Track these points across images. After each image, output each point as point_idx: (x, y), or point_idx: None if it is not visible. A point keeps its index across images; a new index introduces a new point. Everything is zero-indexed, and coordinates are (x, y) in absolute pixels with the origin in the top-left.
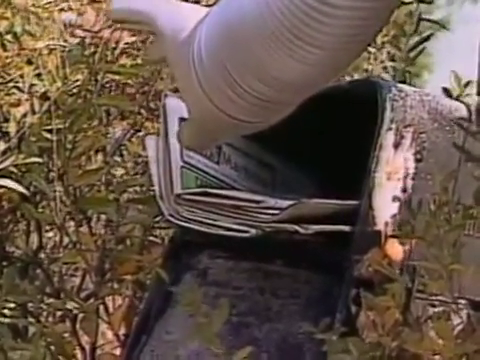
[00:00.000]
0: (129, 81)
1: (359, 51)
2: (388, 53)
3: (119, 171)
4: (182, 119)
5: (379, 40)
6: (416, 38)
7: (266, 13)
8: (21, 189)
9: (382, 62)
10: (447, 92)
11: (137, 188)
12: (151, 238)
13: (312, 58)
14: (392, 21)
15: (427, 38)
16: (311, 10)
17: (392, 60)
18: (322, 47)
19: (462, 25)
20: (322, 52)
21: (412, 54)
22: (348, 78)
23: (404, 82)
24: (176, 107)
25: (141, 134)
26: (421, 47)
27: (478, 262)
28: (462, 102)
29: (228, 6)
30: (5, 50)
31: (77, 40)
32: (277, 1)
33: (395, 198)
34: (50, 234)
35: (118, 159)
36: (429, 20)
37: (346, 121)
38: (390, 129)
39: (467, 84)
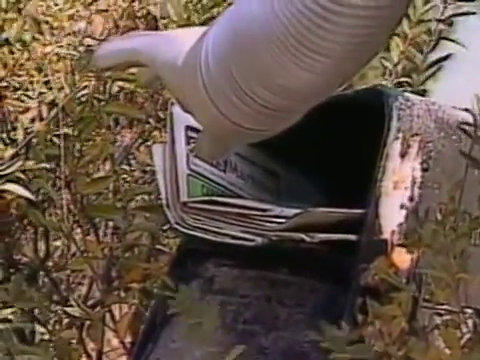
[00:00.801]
0: (138, 90)
1: (365, 60)
2: (404, 68)
3: (127, 179)
4: (189, 127)
5: (395, 56)
6: (433, 56)
7: (272, 19)
8: (28, 195)
9: (397, 77)
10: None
11: (145, 196)
12: (158, 246)
13: (318, 66)
14: (409, 38)
15: (446, 57)
16: (316, 17)
17: (408, 76)
18: (328, 55)
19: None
20: (328, 60)
21: (428, 72)
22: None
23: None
24: (183, 115)
25: (149, 143)
26: (438, 66)
27: None
28: (469, 111)
29: (237, 13)
30: (14, 57)
31: (86, 48)
32: (283, 8)
33: (402, 206)
34: (58, 243)
35: (126, 167)
36: (450, 39)
37: (352, 129)
38: (397, 138)
39: None
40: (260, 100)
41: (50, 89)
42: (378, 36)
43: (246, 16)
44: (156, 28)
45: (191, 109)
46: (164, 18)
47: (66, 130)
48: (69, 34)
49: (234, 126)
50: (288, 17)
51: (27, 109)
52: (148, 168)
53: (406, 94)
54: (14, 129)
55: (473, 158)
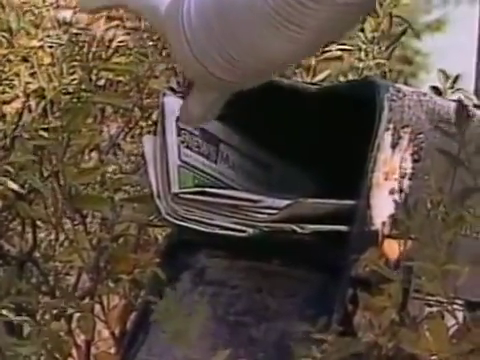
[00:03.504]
0: (123, 79)
1: (343, 32)
2: (379, 48)
3: (113, 169)
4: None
5: (369, 35)
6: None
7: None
8: (16, 187)
9: (374, 58)
10: (436, 91)
11: (131, 186)
12: (146, 237)
13: (298, 38)
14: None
15: (401, 34)
16: None
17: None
18: (308, 29)
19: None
20: (308, 33)
21: (389, 50)
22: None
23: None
24: (174, 106)
25: (136, 132)
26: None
27: (475, 262)
28: (460, 102)
29: None
30: None
31: (70, 37)
32: None
33: (392, 192)
34: (44, 234)
35: (112, 157)
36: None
37: (344, 121)
38: (388, 129)
39: (456, 79)
40: (240, 62)
41: (36, 78)
42: (357, 11)
43: None
44: (139, 19)
45: (174, 56)
46: None
47: (53, 121)
48: (54, 25)
49: (211, 76)
50: None
51: (12, 99)
52: (133, 158)
53: (397, 85)
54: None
55: (452, 155)
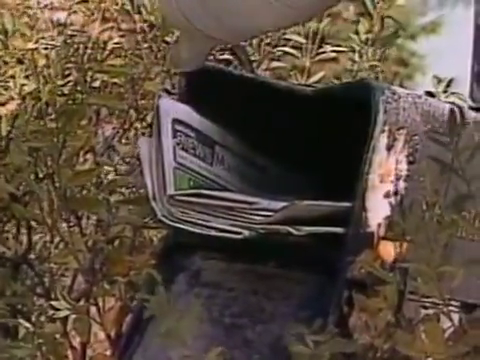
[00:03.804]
0: (118, 81)
1: (325, 9)
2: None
3: (108, 170)
4: (175, 120)
5: (363, 36)
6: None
7: None
8: (11, 189)
9: (368, 60)
10: (431, 95)
11: (127, 188)
12: (141, 239)
13: (287, 14)
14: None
15: (394, 36)
16: None
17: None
18: (297, 8)
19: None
20: (297, 12)
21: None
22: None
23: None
24: (169, 108)
25: (131, 134)
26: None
27: (470, 264)
28: (455, 105)
29: None
30: None
31: (66, 39)
32: None
33: (387, 194)
34: (39, 236)
35: (107, 159)
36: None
37: (339, 123)
38: (383, 131)
39: (449, 83)
40: (227, 24)
41: (29, 79)
42: None
43: None
44: (134, 20)
45: (163, 12)
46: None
47: (49, 123)
48: (49, 27)
49: (195, 30)
50: None
51: (7, 101)
52: (128, 159)
53: (393, 87)
54: None
55: (442, 161)
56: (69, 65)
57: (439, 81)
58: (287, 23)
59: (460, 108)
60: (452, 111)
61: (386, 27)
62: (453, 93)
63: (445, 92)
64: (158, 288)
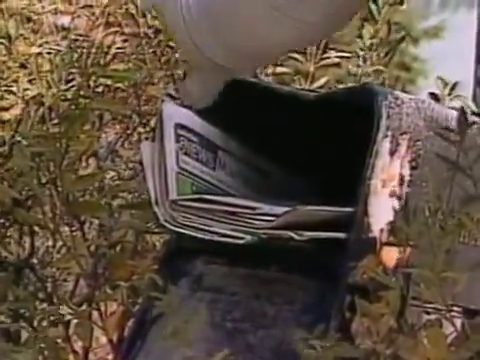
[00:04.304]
0: (121, 85)
1: (347, 18)
2: (378, 55)
3: (111, 175)
4: (178, 125)
5: (368, 41)
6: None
7: None
8: (14, 193)
9: (373, 65)
10: (435, 97)
11: (129, 192)
12: (143, 243)
13: (296, 32)
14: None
15: (400, 41)
16: None
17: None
18: (306, 23)
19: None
20: (306, 27)
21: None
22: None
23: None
24: (172, 113)
25: (134, 139)
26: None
27: (473, 269)
28: (458, 109)
29: None
30: None
31: (69, 44)
32: None
33: (392, 193)
34: (40, 241)
35: (110, 163)
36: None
37: (342, 128)
38: (386, 136)
39: (454, 87)
40: (237, 49)
41: (34, 84)
42: (352, 6)
43: None
44: (138, 25)
45: (175, 43)
46: (144, 14)
47: (52, 128)
48: (52, 31)
49: (207, 60)
50: None
51: (11, 106)
52: (131, 164)
53: (396, 92)
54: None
55: (450, 160)
56: (72, 70)
57: (445, 84)
58: (298, 41)
59: (464, 112)
60: (462, 110)
61: (391, 32)
62: (457, 96)
63: (449, 95)
64: (170, 287)
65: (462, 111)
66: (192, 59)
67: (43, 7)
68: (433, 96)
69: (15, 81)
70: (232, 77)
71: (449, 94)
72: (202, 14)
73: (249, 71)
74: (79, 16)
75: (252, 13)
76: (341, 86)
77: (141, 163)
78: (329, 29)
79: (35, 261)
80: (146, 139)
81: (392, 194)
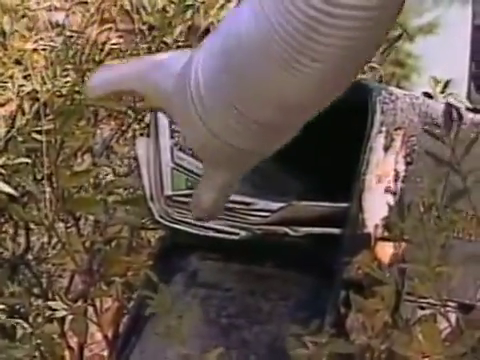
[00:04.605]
0: None
1: (360, 64)
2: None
3: (106, 171)
4: (173, 121)
5: None
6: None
7: (264, 28)
8: (9, 190)
9: (368, 62)
10: (428, 96)
11: (124, 188)
12: (138, 239)
13: (314, 73)
14: None
15: (396, 39)
16: (310, 20)
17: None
18: (323, 60)
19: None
20: (323, 66)
21: (384, 54)
22: None
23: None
24: None
25: (129, 135)
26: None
27: (468, 265)
28: (452, 105)
29: (225, 35)
30: None
31: (64, 40)
32: (275, 12)
33: (387, 189)
34: (35, 237)
35: (105, 160)
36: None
37: (336, 123)
38: (380, 132)
39: (446, 84)
40: (260, 120)
41: (29, 81)
42: (373, 38)
43: (236, 37)
44: (132, 21)
45: (183, 131)
46: (139, 10)
47: (47, 124)
48: (47, 28)
49: (232, 149)
50: (281, 23)
51: (6, 102)
52: (126, 161)
53: (390, 88)
54: None
55: (439, 158)
56: (67, 66)
57: (437, 82)
58: (315, 88)
59: (457, 109)
60: (448, 105)
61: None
62: (450, 94)
63: (442, 93)
64: (160, 286)
65: (448, 106)
66: (209, 151)
67: (38, 3)
68: (427, 95)
69: (10, 77)
70: (253, 165)
71: (442, 92)
72: (213, 91)
73: (268, 151)
74: (74, 13)
75: (261, 59)
76: None
77: (136, 159)
78: (347, 68)
79: (30, 257)
80: (141, 135)
81: (387, 190)
